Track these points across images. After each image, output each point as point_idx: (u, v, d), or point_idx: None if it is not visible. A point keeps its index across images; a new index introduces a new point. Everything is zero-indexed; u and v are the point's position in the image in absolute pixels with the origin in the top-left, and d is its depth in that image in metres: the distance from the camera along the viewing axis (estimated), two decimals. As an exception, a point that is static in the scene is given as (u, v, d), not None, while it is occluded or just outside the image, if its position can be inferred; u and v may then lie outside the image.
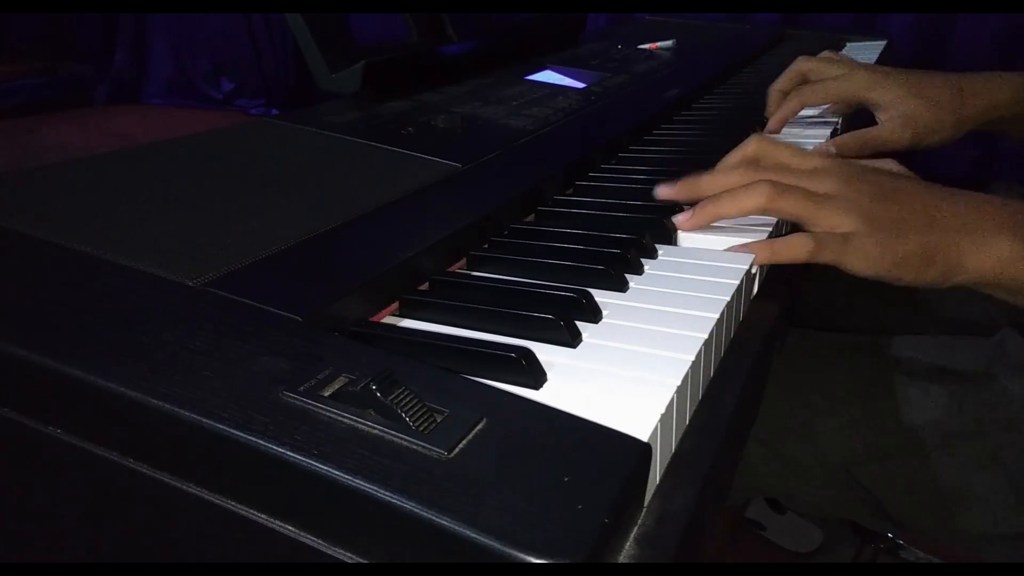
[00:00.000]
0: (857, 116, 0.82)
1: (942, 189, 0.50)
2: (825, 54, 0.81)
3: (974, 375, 0.62)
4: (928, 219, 0.47)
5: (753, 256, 0.47)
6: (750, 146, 0.53)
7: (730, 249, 0.48)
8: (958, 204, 0.48)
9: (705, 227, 0.51)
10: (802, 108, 0.77)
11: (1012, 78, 0.71)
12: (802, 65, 0.78)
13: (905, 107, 0.70)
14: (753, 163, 0.52)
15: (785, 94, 0.77)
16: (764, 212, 0.49)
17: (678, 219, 0.51)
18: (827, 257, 0.47)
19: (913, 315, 0.80)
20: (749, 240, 0.49)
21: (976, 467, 0.60)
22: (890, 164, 0.54)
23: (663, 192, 0.53)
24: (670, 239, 0.51)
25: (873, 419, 0.64)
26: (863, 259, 0.46)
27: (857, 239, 0.47)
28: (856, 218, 0.47)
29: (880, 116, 0.72)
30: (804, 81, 0.78)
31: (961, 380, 0.62)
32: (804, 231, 0.48)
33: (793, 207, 0.48)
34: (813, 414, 0.66)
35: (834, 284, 0.86)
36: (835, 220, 0.47)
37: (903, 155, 0.74)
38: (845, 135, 0.71)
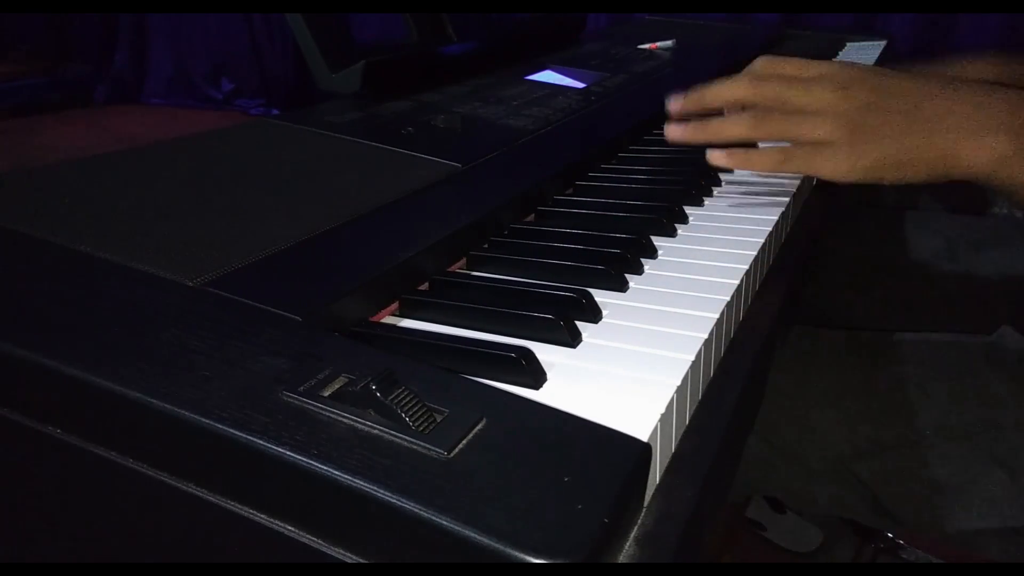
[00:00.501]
0: None
1: (946, 84, 0.50)
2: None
3: (973, 372, 0.62)
4: (915, 122, 0.49)
5: (754, 254, 0.47)
6: (757, 62, 0.55)
7: (709, 156, 0.54)
8: (956, 100, 0.49)
9: (688, 142, 0.56)
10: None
11: (992, 60, 0.72)
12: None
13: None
14: (757, 76, 0.54)
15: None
16: (747, 138, 0.53)
17: (669, 128, 0.56)
18: (796, 166, 0.51)
19: (912, 313, 0.80)
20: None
21: (974, 464, 0.60)
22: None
23: (673, 106, 0.57)
24: (672, 233, 0.51)
25: (872, 416, 0.64)
26: (833, 165, 0.49)
27: (830, 147, 0.49)
28: (834, 127, 0.49)
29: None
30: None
31: (960, 377, 0.62)
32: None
33: (773, 129, 0.52)
34: (812, 411, 0.66)
35: (834, 282, 0.86)
36: (815, 132, 0.50)
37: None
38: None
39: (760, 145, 0.57)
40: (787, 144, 0.52)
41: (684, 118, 0.57)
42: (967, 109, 0.49)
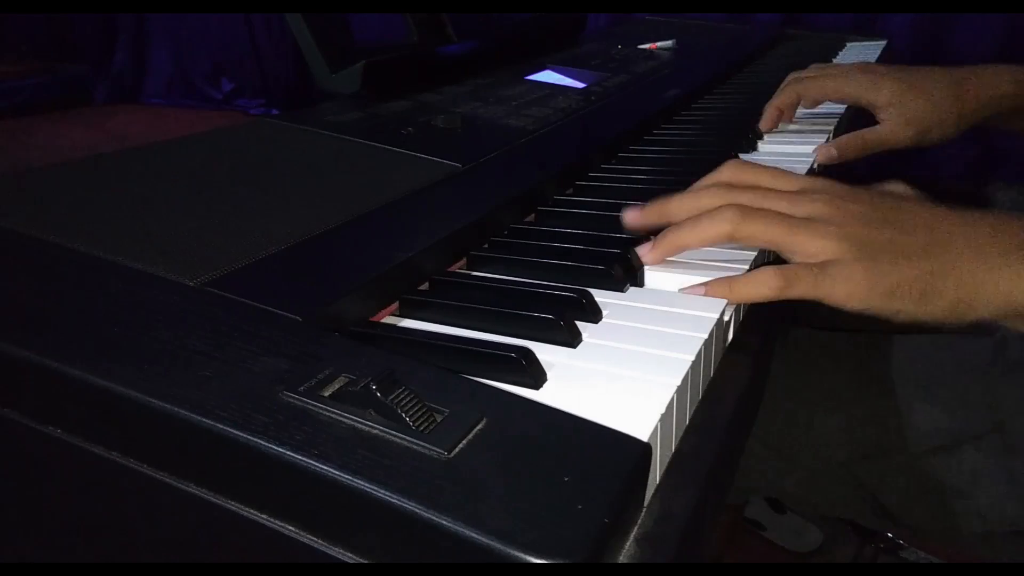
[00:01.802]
0: (856, 119, 0.82)
1: (955, 210, 0.44)
2: (813, 66, 0.80)
3: (973, 373, 0.62)
4: (934, 243, 0.42)
5: (755, 254, 0.47)
6: (724, 170, 0.47)
7: (684, 290, 0.43)
8: (973, 226, 0.43)
9: (669, 258, 0.45)
10: (798, 100, 0.77)
11: (1011, 70, 0.71)
12: (793, 80, 0.78)
13: (905, 106, 0.69)
14: (727, 187, 0.46)
15: (781, 111, 0.77)
16: (731, 240, 0.43)
17: (641, 251, 0.46)
18: (802, 291, 0.41)
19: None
20: (716, 276, 0.43)
21: (975, 465, 0.60)
22: (896, 186, 0.48)
23: (630, 218, 0.48)
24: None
25: (873, 418, 0.64)
26: (847, 289, 0.41)
27: (840, 266, 0.41)
28: (840, 242, 0.41)
29: (880, 116, 0.71)
30: (799, 100, 0.78)
31: (960, 378, 0.62)
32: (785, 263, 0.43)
33: (763, 232, 0.42)
34: (813, 412, 0.66)
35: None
36: (815, 245, 0.41)
37: (903, 155, 0.73)
38: (844, 135, 0.71)
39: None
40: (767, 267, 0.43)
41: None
42: (984, 234, 0.42)
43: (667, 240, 0.45)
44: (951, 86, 0.69)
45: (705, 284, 0.42)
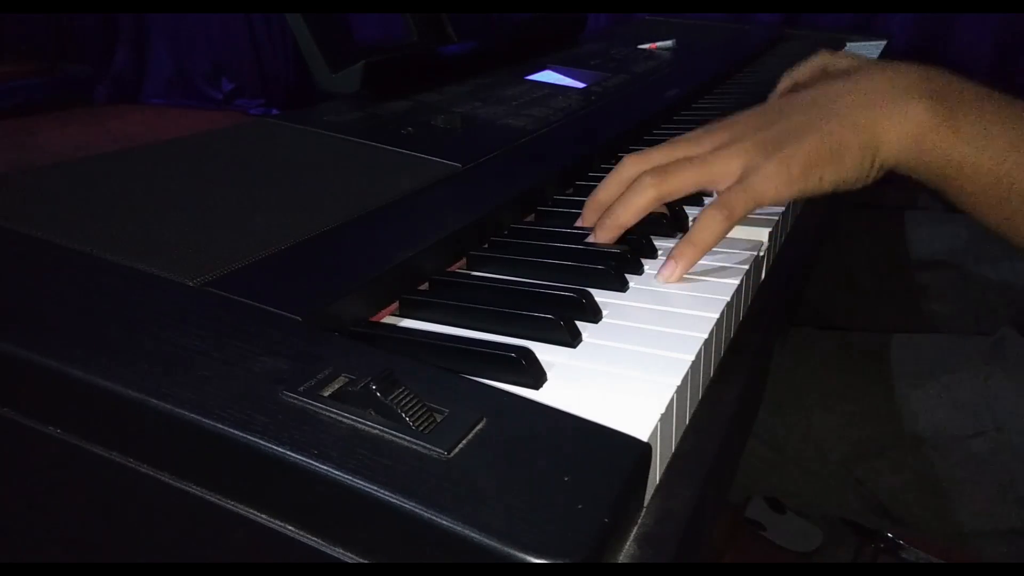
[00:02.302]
0: None
1: (840, 77, 0.48)
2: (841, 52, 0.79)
3: (972, 374, 0.62)
4: (825, 112, 0.46)
5: (754, 255, 0.47)
6: (623, 163, 0.50)
7: (660, 275, 0.45)
8: (861, 82, 0.47)
9: (613, 240, 0.48)
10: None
11: None
12: (823, 57, 0.73)
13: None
14: (635, 161, 0.49)
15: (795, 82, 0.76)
16: (660, 200, 0.47)
17: (591, 238, 0.48)
18: (741, 206, 0.44)
19: (912, 314, 0.80)
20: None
21: (973, 464, 0.60)
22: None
23: (583, 224, 0.51)
24: (673, 233, 0.51)
25: (871, 417, 0.64)
26: (773, 184, 0.44)
27: (756, 171, 0.45)
28: (746, 153, 0.45)
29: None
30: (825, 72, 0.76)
31: (959, 379, 0.62)
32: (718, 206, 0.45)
33: (683, 180, 0.46)
34: (812, 411, 0.66)
35: (834, 283, 0.86)
36: (728, 167, 0.46)
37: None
38: None
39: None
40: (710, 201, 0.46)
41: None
42: (875, 83, 0.46)
43: (606, 224, 0.48)
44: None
45: (672, 259, 0.45)
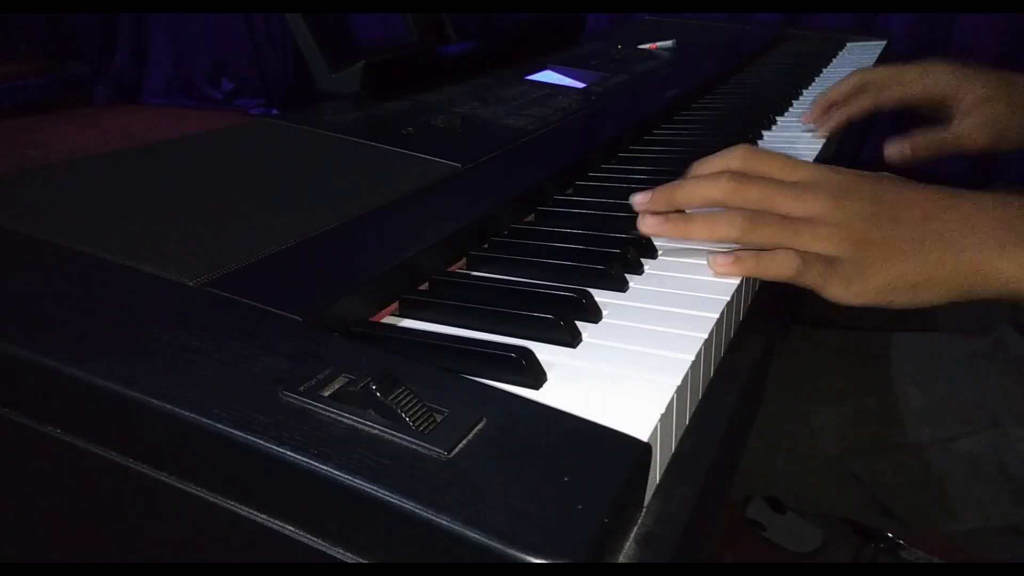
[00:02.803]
0: (859, 133, 0.80)
1: (952, 195, 0.45)
2: (882, 68, 0.78)
3: (973, 372, 0.62)
4: (931, 238, 0.43)
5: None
6: (736, 155, 0.48)
7: (713, 256, 0.45)
8: (973, 215, 0.44)
9: (666, 237, 0.47)
10: (874, 109, 0.75)
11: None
12: (860, 76, 0.75)
13: (988, 109, 0.67)
14: (738, 175, 0.47)
15: (832, 104, 0.75)
16: (737, 242, 0.45)
17: (651, 221, 0.47)
18: (810, 280, 0.43)
19: (912, 313, 0.80)
20: (734, 249, 0.45)
21: (972, 462, 0.60)
22: (890, 177, 0.49)
23: (638, 201, 0.49)
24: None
25: (871, 415, 0.64)
26: (843, 286, 0.43)
27: (840, 264, 0.43)
28: (839, 242, 0.43)
29: (959, 118, 0.69)
30: (862, 92, 0.75)
31: (959, 378, 0.62)
32: None
33: (768, 237, 0.44)
34: (811, 410, 0.66)
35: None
36: (817, 245, 0.44)
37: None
38: (920, 135, 0.69)
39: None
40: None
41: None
42: (988, 219, 0.43)
43: (678, 227, 0.46)
44: None
45: (735, 254, 0.44)
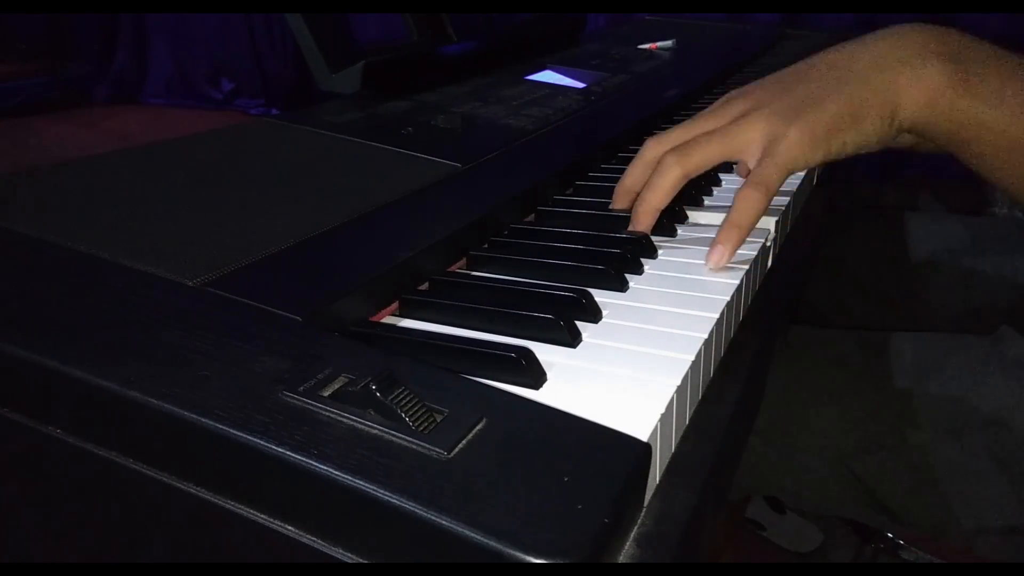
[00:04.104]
0: None
1: (853, 40, 0.49)
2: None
3: (972, 372, 0.62)
4: (843, 75, 0.46)
5: (753, 255, 0.47)
6: (645, 146, 0.51)
7: (709, 256, 0.46)
8: (876, 44, 0.47)
9: (652, 224, 0.49)
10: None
11: None
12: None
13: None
14: (655, 139, 0.51)
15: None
16: (686, 177, 0.48)
17: (632, 225, 0.50)
18: (776, 177, 0.45)
19: (912, 312, 0.80)
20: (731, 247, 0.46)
21: (971, 461, 0.60)
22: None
23: (615, 208, 0.53)
24: (672, 233, 0.51)
25: (871, 415, 0.64)
26: (796, 151, 0.45)
27: (780, 140, 0.45)
28: (766, 120, 0.46)
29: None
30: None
31: (959, 377, 0.62)
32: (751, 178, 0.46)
33: (706, 153, 0.47)
34: (811, 410, 0.66)
35: (834, 282, 0.86)
36: (750, 135, 0.46)
37: (900, 154, 0.73)
38: None
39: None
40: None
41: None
42: (890, 45, 0.47)
43: (640, 210, 0.49)
44: None
45: (719, 244, 0.45)
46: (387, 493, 0.25)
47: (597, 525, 0.24)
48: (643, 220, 0.49)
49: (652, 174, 0.48)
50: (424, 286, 0.44)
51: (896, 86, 0.46)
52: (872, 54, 0.47)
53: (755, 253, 0.48)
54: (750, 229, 0.46)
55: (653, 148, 0.50)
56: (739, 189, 0.46)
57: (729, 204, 0.57)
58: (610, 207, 0.53)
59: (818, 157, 0.46)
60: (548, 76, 0.88)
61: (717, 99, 0.53)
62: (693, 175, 0.48)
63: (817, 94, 0.46)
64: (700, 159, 0.47)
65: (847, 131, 0.46)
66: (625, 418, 0.30)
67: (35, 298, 0.35)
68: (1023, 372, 0.61)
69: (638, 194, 0.50)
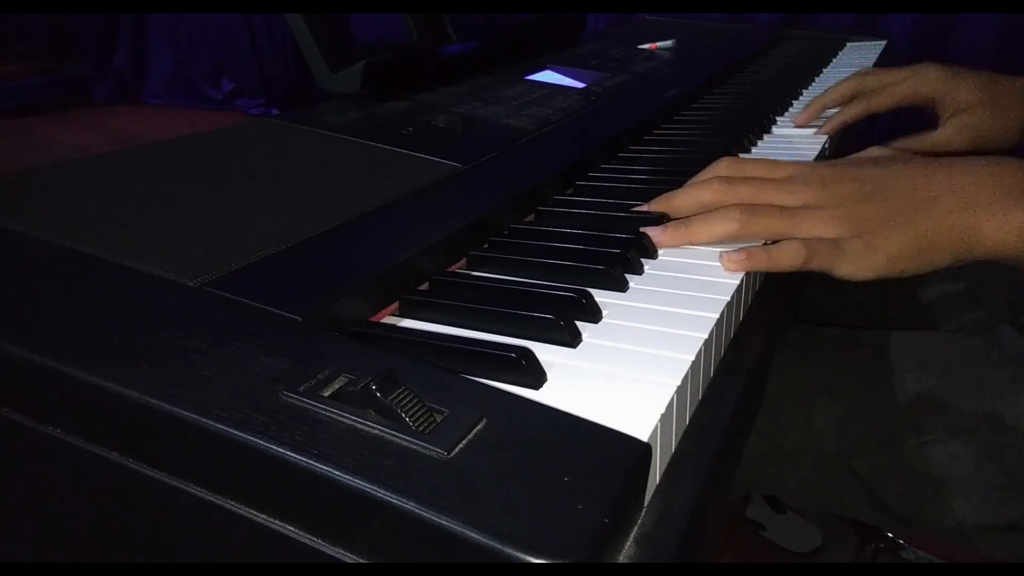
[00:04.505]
0: (846, 138, 0.81)
1: (941, 165, 0.47)
2: (872, 73, 0.79)
3: (972, 371, 0.62)
4: (924, 204, 0.45)
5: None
6: (721, 164, 0.51)
7: (725, 254, 0.46)
8: (961, 179, 0.46)
9: (672, 246, 0.49)
10: (866, 115, 0.76)
11: None
12: (853, 83, 0.77)
13: (971, 115, 0.68)
14: (726, 179, 0.49)
15: (825, 109, 0.76)
16: (737, 238, 0.47)
17: (653, 233, 0.48)
18: (819, 263, 0.45)
19: (912, 311, 0.80)
20: (742, 246, 0.47)
21: (971, 459, 0.60)
22: (874, 151, 0.53)
23: (643, 211, 0.52)
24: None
25: (870, 412, 0.64)
26: (853, 264, 0.45)
27: (845, 243, 0.45)
28: (838, 224, 0.45)
29: (944, 118, 0.70)
30: (855, 97, 0.77)
31: (959, 376, 0.62)
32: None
33: (767, 227, 0.47)
34: (811, 409, 0.66)
35: (834, 282, 0.86)
36: (815, 231, 0.46)
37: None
38: (902, 143, 0.70)
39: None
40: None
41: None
42: (975, 182, 0.46)
43: (679, 232, 0.48)
44: (1021, 96, 0.69)
45: (745, 250, 0.45)
46: (387, 493, 0.25)
47: (597, 525, 0.24)
48: (670, 239, 0.48)
49: (713, 215, 0.48)
50: (424, 286, 0.44)
51: (979, 229, 0.45)
52: (958, 189, 0.46)
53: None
54: (773, 269, 0.46)
55: (719, 191, 0.49)
56: (791, 241, 0.45)
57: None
58: (639, 207, 0.52)
59: (867, 276, 0.45)
60: (548, 76, 0.88)
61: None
62: (739, 241, 0.48)
63: (893, 217, 0.45)
64: (759, 231, 0.47)
65: (908, 262, 0.45)
66: (625, 418, 0.30)
67: (35, 298, 0.35)
68: (1023, 372, 0.61)
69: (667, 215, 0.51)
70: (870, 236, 0.45)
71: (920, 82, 0.72)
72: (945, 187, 0.46)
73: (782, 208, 0.47)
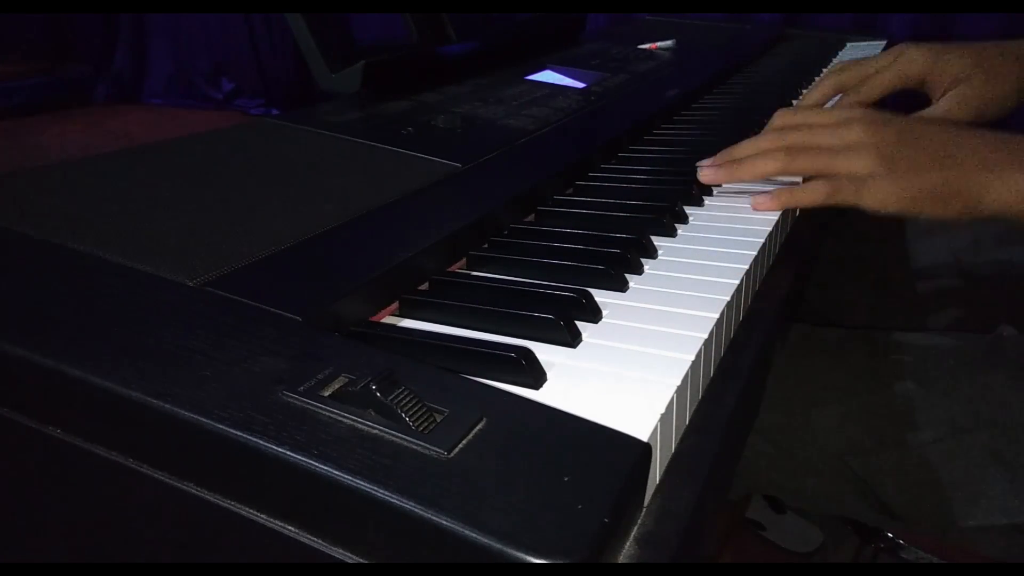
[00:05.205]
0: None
1: (967, 130, 0.53)
2: (851, 66, 0.77)
3: (972, 371, 0.62)
4: (947, 158, 0.51)
5: (753, 254, 0.47)
6: (775, 117, 0.58)
7: (755, 196, 0.53)
8: (979, 143, 0.52)
9: (723, 183, 0.58)
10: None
11: None
12: (833, 80, 0.75)
13: (965, 88, 0.68)
14: (779, 130, 0.56)
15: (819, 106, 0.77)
16: (781, 174, 0.54)
17: (706, 170, 0.56)
18: (843, 197, 0.51)
19: (912, 311, 0.80)
20: (770, 188, 0.54)
21: (972, 460, 0.60)
22: (925, 112, 0.62)
23: (705, 176, 0.58)
24: (673, 233, 0.51)
25: (871, 412, 0.64)
26: (880, 197, 0.50)
27: (874, 180, 0.51)
28: (873, 160, 0.51)
29: (936, 98, 0.69)
30: (838, 94, 0.75)
31: (959, 376, 0.62)
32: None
33: (809, 164, 0.53)
34: (812, 409, 0.66)
35: (834, 282, 0.86)
36: (853, 166, 0.51)
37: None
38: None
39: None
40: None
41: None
42: (994, 149, 0.52)
43: (729, 169, 0.56)
44: (1013, 62, 0.68)
45: (771, 192, 0.54)
46: (387, 493, 0.25)
47: (597, 525, 0.24)
48: (717, 176, 0.56)
49: (758, 156, 0.55)
50: (424, 286, 0.44)
51: (989, 187, 0.50)
52: (971, 146, 0.52)
53: (755, 253, 0.48)
54: (798, 205, 0.55)
55: (773, 139, 0.55)
56: (815, 180, 0.53)
57: (729, 204, 0.57)
58: (702, 174, 0.58)
59: (892, 211, 0.51)
60: (548, 76, 0.88)
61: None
62: (784, 176, 0.55)
63: (925, 162, 0.51)
64: (801, 168, 0.54)
65: (929, 205, 0.51)
66: (625, 418, 0.30)
67: (35, 298, 0.35)
68: (1023, 372, 0.61)
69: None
70: (898, 174, 0.51)
71: (906, 65, 0.71)
72: (968, 147, 0.52)
73: (824, 147, 0.53)
